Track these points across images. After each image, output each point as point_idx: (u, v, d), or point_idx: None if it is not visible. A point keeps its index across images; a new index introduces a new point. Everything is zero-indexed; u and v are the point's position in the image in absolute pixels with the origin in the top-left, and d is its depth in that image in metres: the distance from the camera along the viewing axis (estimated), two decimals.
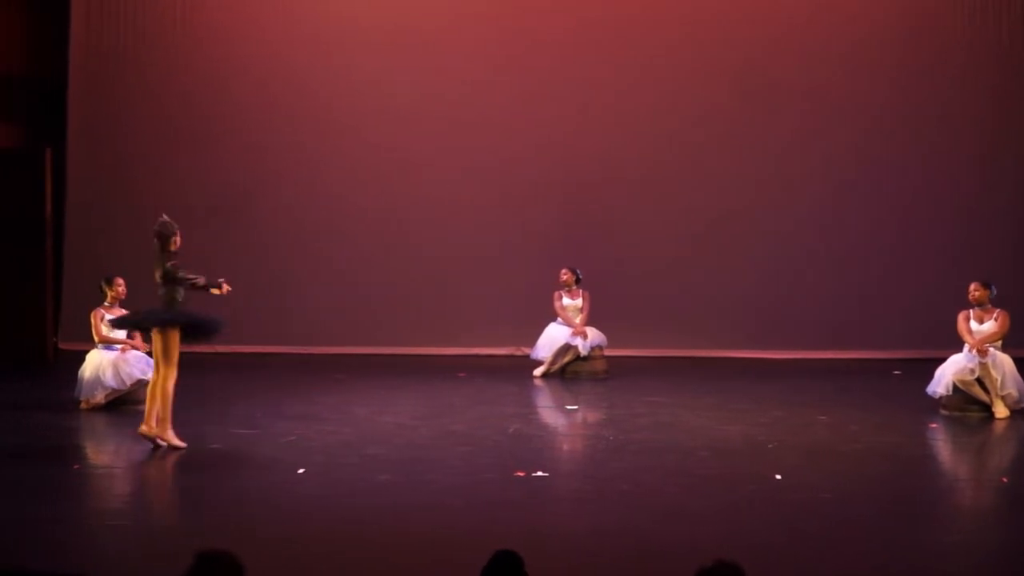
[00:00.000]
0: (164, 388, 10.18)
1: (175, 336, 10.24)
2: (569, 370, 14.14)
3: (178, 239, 10.41)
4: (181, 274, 10.19)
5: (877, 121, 15.76)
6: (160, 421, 10.18)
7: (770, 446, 10.27)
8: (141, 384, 11.92)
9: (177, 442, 10.18)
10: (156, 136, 16.28)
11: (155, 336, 10.33)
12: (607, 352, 14.34)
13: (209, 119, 16.21)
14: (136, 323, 10.98)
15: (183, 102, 16.23)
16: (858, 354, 15.40)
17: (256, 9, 16.28)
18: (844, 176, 15.77)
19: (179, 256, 10.33)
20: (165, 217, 10.57)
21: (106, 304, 12.23)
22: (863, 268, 15.73)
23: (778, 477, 9.10)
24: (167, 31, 16.28)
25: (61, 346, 15.80)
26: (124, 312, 12.15)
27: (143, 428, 10.21)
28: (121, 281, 12.29)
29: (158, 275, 10.23)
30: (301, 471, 9.24)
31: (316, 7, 16.17)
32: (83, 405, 11.91)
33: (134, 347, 12.13)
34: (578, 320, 14.22)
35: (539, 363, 14.27)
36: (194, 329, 10.44)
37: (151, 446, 10.12)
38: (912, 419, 11.57)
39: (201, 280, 10.30)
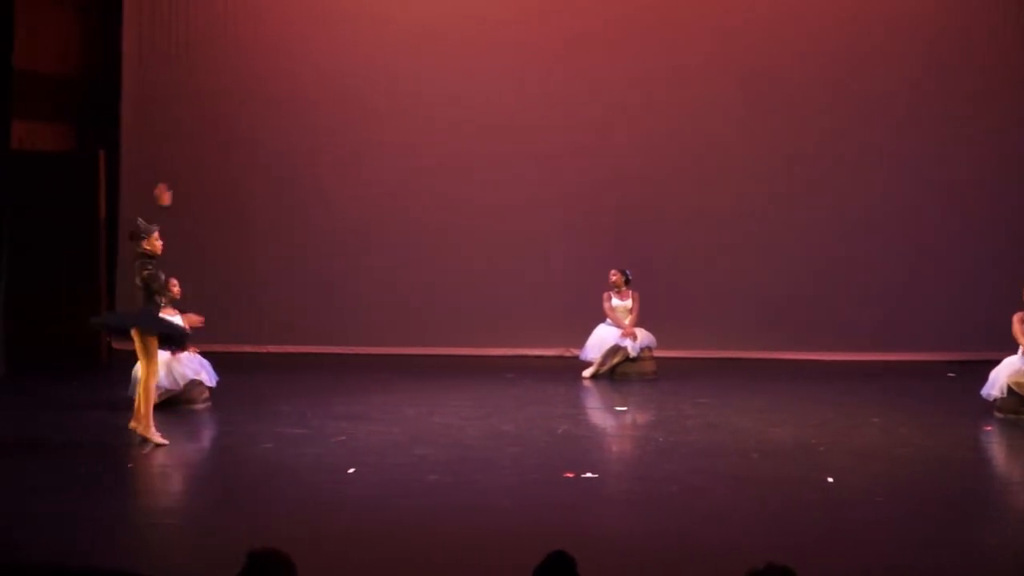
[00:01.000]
0: (147, 386, 10.40)
1: (155, 338, 10.52)
2: (618, 371, 14.11)
3: (157, 242, 10.51)
4: (157, 285, 10.32)
5: (923, 117, 15.62)
6: (143, 418, 10.37)
7: (821, 448, 10.22)
8: (194, 384, 12.03)
9: (159, 439, 10.35)
10: (206, 138, 16.39)
11: (136, 337, 10.52)
12: (656, 353, 14.31)
13: (257, 121, 16.29)
14: (121, 327, 11.00)
15: (232, 104, 16.33)
16: (911, 355, 15.28)
17: (302, 12, 16.35)
18: (896, 173, 15.65)
19: (161, 259, 10.53)
20: (140, 221, 10.63)
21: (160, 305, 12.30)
22: (916, 267, 15.59)
23: (830, 480, 9.05)
24: (217, 34, 16.39)
25: (115, 346, 15.93)
26: (176, 313, 12.27)
27: (132, 423, 10.43)
28: (175, 282, 12.37)
29: (137, 280, 10.38)
30: (351, 471, 9.28)
31: (358, 10, 16.22)
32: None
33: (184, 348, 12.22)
34: (627, 321, 14.20)
35: (588, 364, 14.25)
36: (168, 338, 10.67)
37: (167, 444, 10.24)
38: (966, 422, 11.47)
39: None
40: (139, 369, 12.03)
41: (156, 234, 10.57)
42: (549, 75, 16.00)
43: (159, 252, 10.53)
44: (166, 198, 10.75)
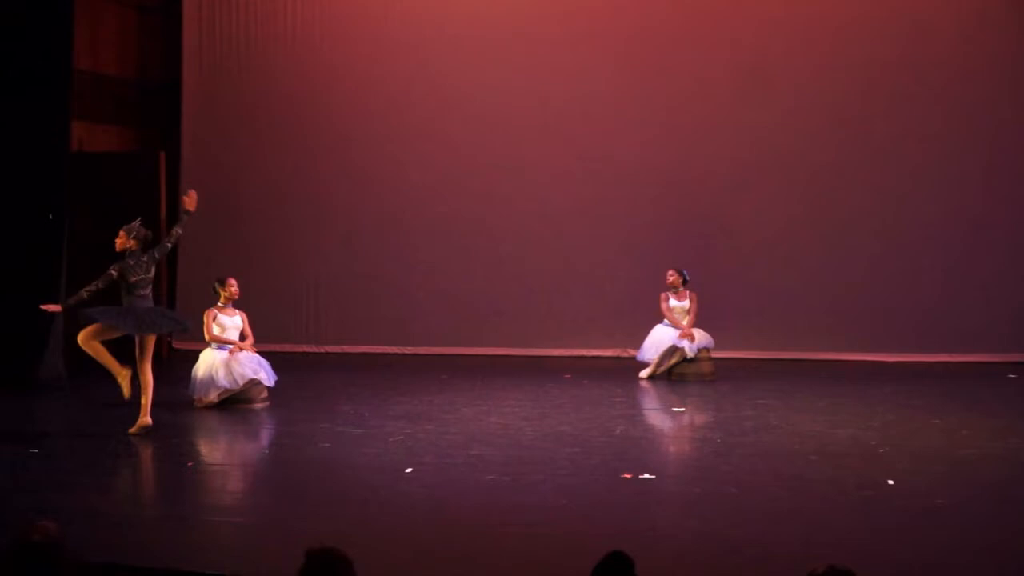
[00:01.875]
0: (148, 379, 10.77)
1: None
2: (675, 372, 14.06)
3: (121, 240, 10.79)
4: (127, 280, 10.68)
5: (994, 116, 15.47)
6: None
7: (881, 450, 10.12)
8: (253, 383, 12.10)
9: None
10: (265, 138, 16.53)
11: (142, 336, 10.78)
12: (714, 354, 14.24)
13: (315, 122, 16.41)
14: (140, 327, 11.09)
15: (292, 103, 16.46)
16: (972, 357, 15.13)
17: (357, 14, 16.43)
18: (955, 175, 15.50)
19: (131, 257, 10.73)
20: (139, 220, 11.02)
21: (219, 304, 12.41)
22: (977, 268, 15.44)
23: (890, 482, 8.96)
24: (276, 34, 16.53)
25: (175, 345, 16.10)
26: (236, 313, 12.35)
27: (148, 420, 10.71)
28: (233, 281, 12.47)
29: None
30: (409, 470, 9.29)
31: (419, 14, 16.28)
32: (196, 403, 12.10)
33: (243, 348, 12.29)
34: (685, 322, 14.14)
35: (645, 365, 14.22)
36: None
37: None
38: None
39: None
40: (198, 369, 12.16)
41: (121, 233, 10.84)
42: (607, 73, 15.99)
43: (117, 248, 10.81)
44: (187, 201, 11.07)
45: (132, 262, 10.68)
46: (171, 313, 11.99)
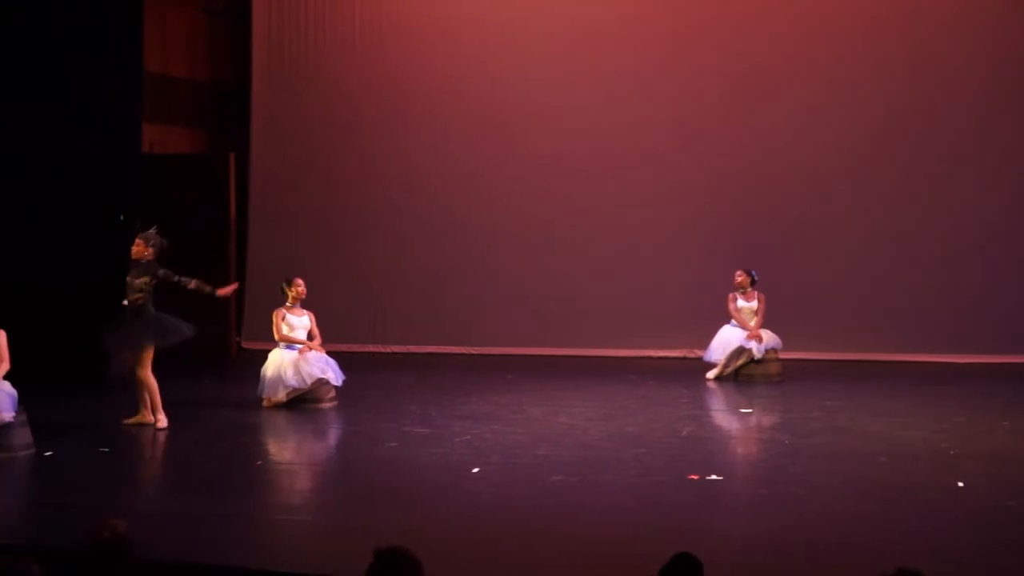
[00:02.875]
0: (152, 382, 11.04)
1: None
2: (742, 373, 13.98)
3: (138, 249, 11.15)
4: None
5: None
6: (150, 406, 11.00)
7: (951, 452, 10.02)
8: (321, 383, 12.17)
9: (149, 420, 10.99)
10: (333, 141, 16.62)
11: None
12: (782, 355, 14.15)
13: (383, 125, 16.48)
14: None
15: (361, 104, 16.54)
16: None
17: (426, 17, 16.48)
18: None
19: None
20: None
21: (287, 304, 12.49)
22: None
23: (960, 484, 8.87)
24: (345, 37, 16.62)
25: (244, 345, 16.23)
26: (304, 313, 12.43)
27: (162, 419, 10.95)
28: (301, 282, 12.54)
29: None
30: (476, 470, 9.32)
31: (481, 14, 16.31)
32: (265, 403, 12.18)
33: (311, 347, 12.36)
34: (753, 323, 14.06)
35: (712, 365, 14.15)
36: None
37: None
38: None
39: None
40: (266, 368, 12.25)
41: (138, 241, 11.15)
42: (672, 72, 15.93)
43: (133, 257, 11.12)
44: (223, 290, 11.62)
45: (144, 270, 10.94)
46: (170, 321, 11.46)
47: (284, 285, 12.57)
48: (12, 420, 9.81)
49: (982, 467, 9.52)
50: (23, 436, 9.93)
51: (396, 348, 16.38)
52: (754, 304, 14.15)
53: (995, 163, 15.36)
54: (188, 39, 16.67)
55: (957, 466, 9.49)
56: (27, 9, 13.18)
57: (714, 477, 9.15)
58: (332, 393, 12.35)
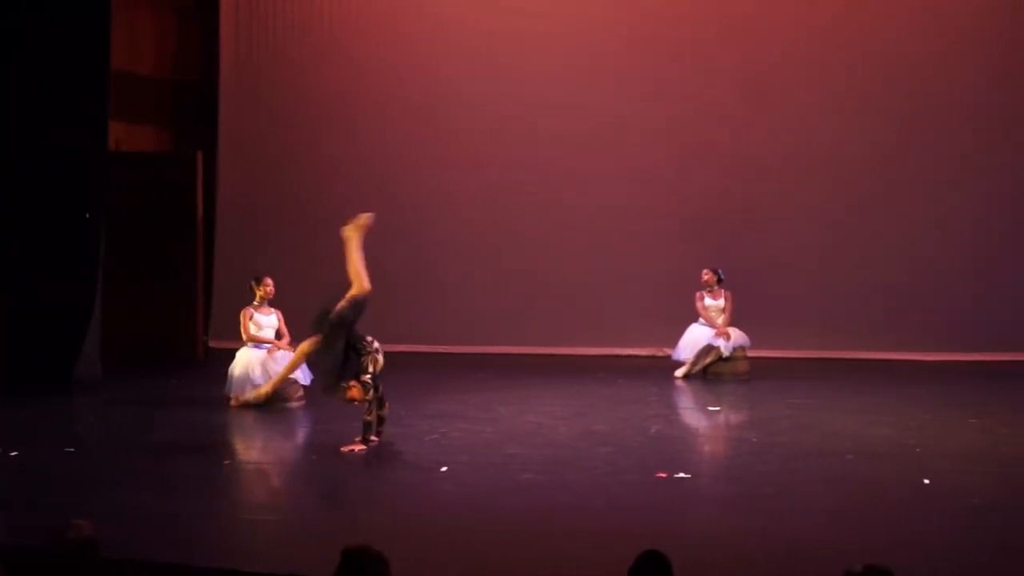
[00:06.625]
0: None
1: None
2: (711, 371, 14.03)
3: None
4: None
5: None
6: None
7: (918, 450, 10.07)
8: (289, 382, 12.12)
9: None
10: (303, 137, 16.57)
11: None
12: (750, 353, 14.19)
13: (353, 121, 16.43)
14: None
15: (329, 102, 16.50)
16: (1010, 356, 15.00)
17: (399, 11, 16.45)
18: (992, 171, 15.42)
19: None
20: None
21: (255, 303, 12.46)
22: (1015, 266, 15.33)
23: (926, 481, 8.91)
24: (313, 34, 16.56)
25: (211, 344, 16.15)
26: (272, 312, 12.40)
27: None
28: (270, 280, 12.51)
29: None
30: (444, 469, 9.31)
31: (456, 9, 16.29)
32: (232, 402, 12.14)
33: (279, 347, 12.33)
34: (720, 321, 14.10)
35: (681, 364, 14.18)
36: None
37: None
38: None
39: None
40: (234, 367, 12.19)
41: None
42: (652, 75, 15.93)
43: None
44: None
45: None
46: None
47: (253, 283, 12.53)
48: None
49: (949, 464, 9.57)
50: None
51: None
52: (721, 302, 14.19)
53: (955, 165, 15.45)
54: (155, 37, 16.59)
55: (924, 463, 9.54)
56: None
57: (682, 475, 9.16)
58: (300, 392, 12.32)
